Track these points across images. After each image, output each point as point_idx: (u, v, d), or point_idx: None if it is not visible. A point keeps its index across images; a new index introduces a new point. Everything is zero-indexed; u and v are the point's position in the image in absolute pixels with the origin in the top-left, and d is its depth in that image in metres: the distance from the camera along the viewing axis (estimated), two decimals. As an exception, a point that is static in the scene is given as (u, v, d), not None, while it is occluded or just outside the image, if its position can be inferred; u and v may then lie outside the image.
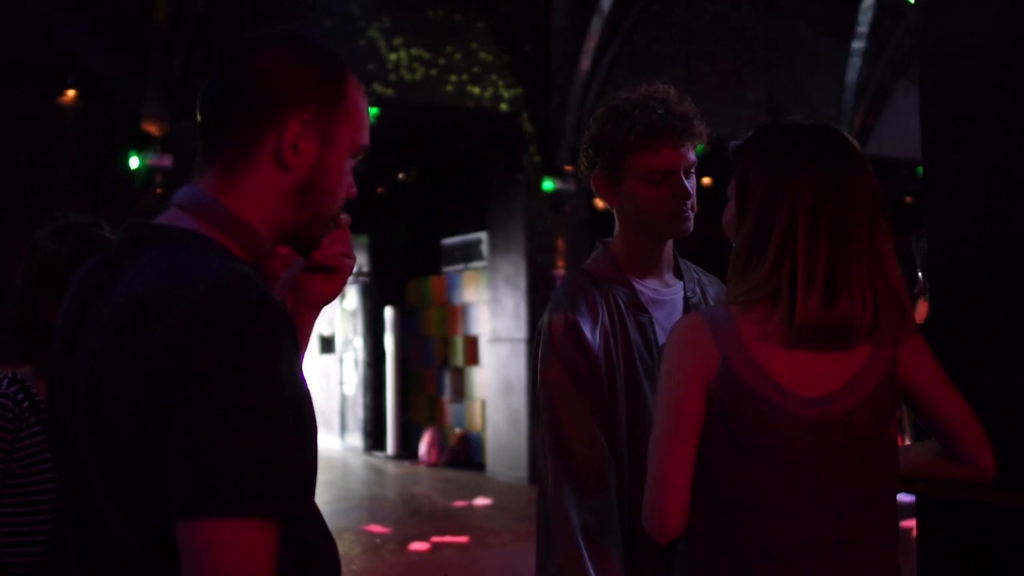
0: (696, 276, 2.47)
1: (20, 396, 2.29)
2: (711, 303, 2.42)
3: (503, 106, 11.17)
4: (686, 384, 1.89)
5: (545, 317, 2.34)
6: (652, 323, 2.30)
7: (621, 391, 2.26)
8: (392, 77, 10.47)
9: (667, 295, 2.38)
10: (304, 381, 1.37)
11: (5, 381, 2.32)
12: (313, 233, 1.56)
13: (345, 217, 1.63)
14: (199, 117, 1.50)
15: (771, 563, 1.86)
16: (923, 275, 3.38)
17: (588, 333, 2.26)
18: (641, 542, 2.21)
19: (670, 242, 2.41)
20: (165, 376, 1.26)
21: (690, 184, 2.30)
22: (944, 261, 2.42)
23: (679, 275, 2.44)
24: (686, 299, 2.39)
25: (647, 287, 2.36)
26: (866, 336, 1.87)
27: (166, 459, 1.26)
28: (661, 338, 2.28)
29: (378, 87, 10.29)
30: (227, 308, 1.29)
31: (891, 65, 12.73)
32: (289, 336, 1.33)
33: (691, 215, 2.31)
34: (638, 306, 2.31)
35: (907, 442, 3.17)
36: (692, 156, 2.31)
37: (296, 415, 1.32)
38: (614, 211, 2.40)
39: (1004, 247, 2.31)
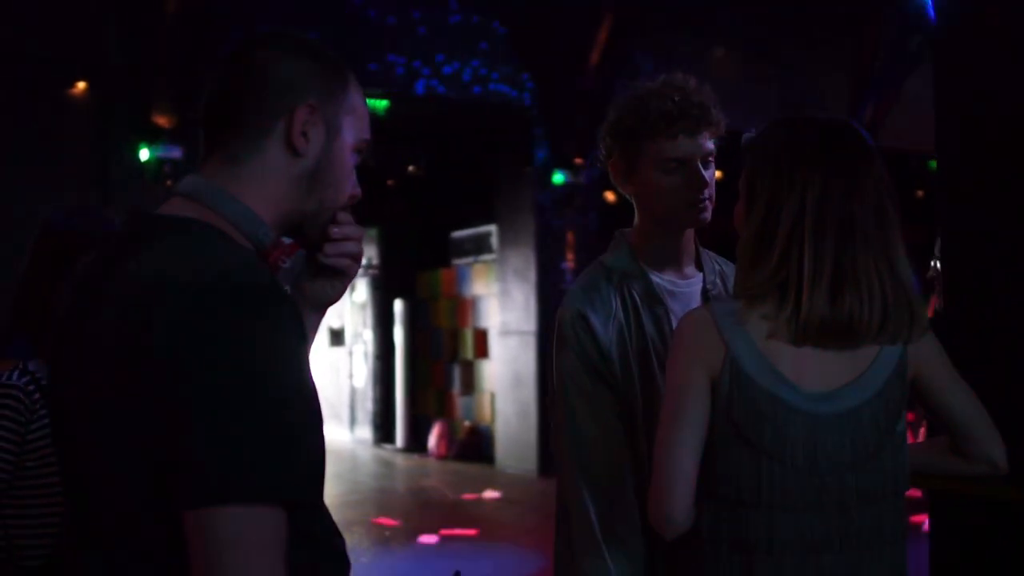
0: (718, 267, 2.44)
1: (31, 388, 2.30)
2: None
3: (513, 99, 11.15)
4: (692, 377, 1.89)
5: (559, 311, 2.33)
6: (667, 315, 2.28)
7: (636, 384, 2.25)
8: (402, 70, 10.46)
9: (684, 287, 2.36)
10: (309, 372, 1.37)
11: (16, 372, 2.32)
12: (319, 223, 1.57)
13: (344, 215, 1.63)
14: (205, 111, 1.53)
15: (776, 558, 1.86)
16: (938, 265, 3.35)
17: (600, 326, 2.26)
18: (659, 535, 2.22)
19: (691, 233, 2.38)
20: (172, 364, 1.26)
21: (708, 174, 2.28)
22: (958, 255, 2.41)
23: (700, 267, 2.42)
24: (705, 291, 2.36)
25: (664, 279, 2.34)
26: (875, 335, 1.86)
27: (173, 447, 1.26)
28: None
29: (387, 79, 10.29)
30: (234, 294, 1.29)
31: (903, 58, 12.68)
32: (296, 324, 1.34)
33: (708, 205, 2.29)
34: (653, 298, 2.30)
35: (919, 438, 3.16)
36: (709, 145, 2.28)
37: (302, 404, 1.32)
38: (633, 200, 2.39)
39: (1020, 240, 2.29)
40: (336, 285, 1.68)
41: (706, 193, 2.27)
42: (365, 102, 1.60)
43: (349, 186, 1.58)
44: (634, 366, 2.26)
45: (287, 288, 1.62)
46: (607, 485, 2.23)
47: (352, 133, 1.56)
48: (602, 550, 2.19)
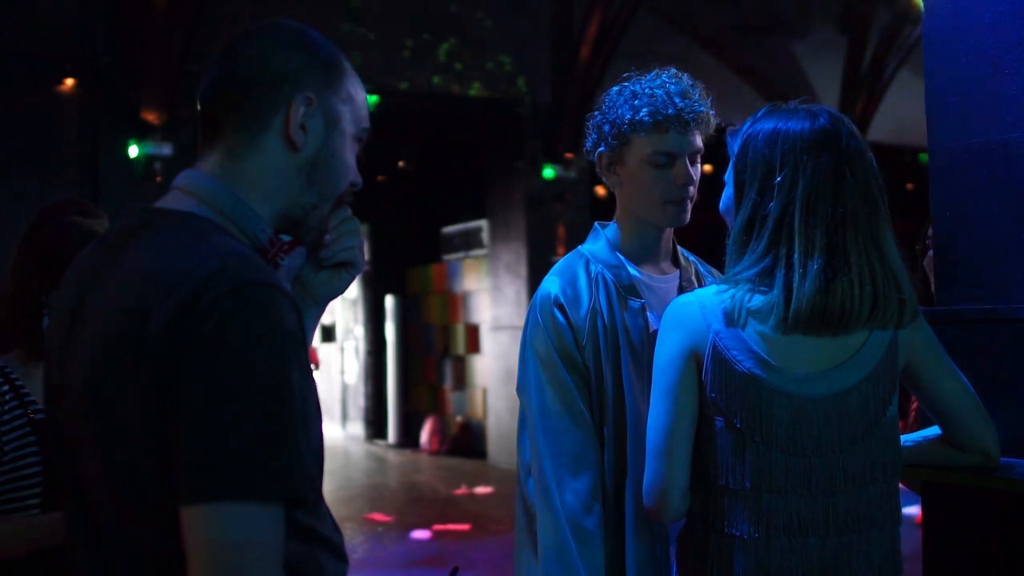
0: (694, 267, 2.46)
1: None
2: None
3: (503, 94, 11.14)
4: (679, 363, 1.91)
5: (536, 296, 2.34)
6: (643, 309, 2.29)
7: (608, 374, 2.26)
8: (393, 64, 10.44)
9: (661, 282, 2.37)
10: (309, 368, 1.37)
11: None
12: (318, 217, 1.56)
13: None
14: (200, 106, 1.51)
15: (763, 541, 1.87)
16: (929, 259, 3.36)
17: (577, 314, 2.27)
18: (625, 523, 2.22)
19: (669, 231, 2.40)
20: (171, 358, 1.26)
21: (694, 171, 2.29)
22: (950, 247, 2.41)
23: (677, 264, 2.43)
24: (681, 288, 2.37)
25: (641, 272, 2.36)
26: (865, 321, 1.86)
27: (171, 442, 1.26)
28: (653, 323, 2.27)
29: (379, 74, 10.26)
30: (233, 288, 1.28)
31: (892, 51, 12.69)
32: (295, 321, 1.33)
33: (689, 204, 2.31)
34: (630, 291, 2.31)
35: (911, 430, 3.17)
36: (698, 143, 2.30)
37: (301, 401, 1.31)
38: (616, 192, 2.40)
39: (1011, 232, 2.29)
40: (344, 276, 1.67)
41: (690, 191, 2.29)
42: (362, 90, 1.59)
43: (349, 175, 1.57)
44: (607, 356, 2.27)
45: (287, 284, 1.62)
46: (575, 474, 2.23)
47: (351, 122, 1.55)
48: (569, 542, 2.19)
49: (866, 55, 12.72)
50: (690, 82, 2.32)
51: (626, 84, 2.34)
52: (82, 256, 1.50)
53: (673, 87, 2.28)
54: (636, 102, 2.28)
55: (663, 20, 11.70)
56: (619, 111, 2.30)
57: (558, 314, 2.27)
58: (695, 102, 2.28)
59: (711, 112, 2.31)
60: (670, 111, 2.25)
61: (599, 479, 2.24)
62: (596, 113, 2.37)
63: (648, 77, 2.32)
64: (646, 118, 2.25)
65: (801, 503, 1.87)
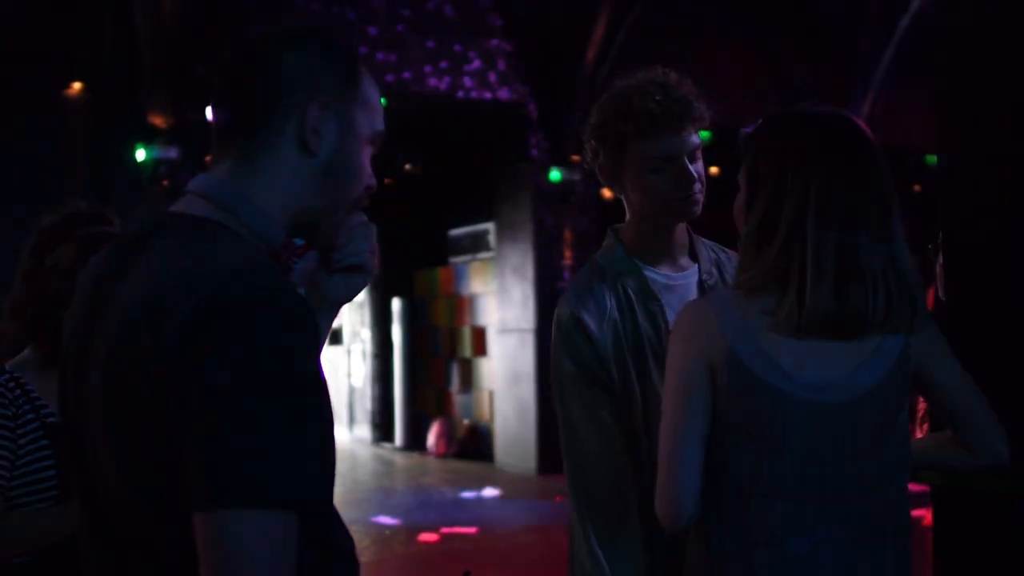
0: (714, 255, 2.42)
1: (11, 384, 2.30)
2: (731, 281, 2.38)
3: (509, 96, 11.14)
4: (693, 369, 1.89)
5: (555, 314, 2.33)
6: (663, 310, 2.27)
7: (635, 383, 2.24)
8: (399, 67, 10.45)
9: (680, 280, 2.34)
10: (322, 373, 1.36)
11: None
12: (334, 220, 1.55)
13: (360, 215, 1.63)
14: (213, 109, 1.51)
15: (777, 549, 1.86)
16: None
17: (595, 327, 2.25)
18: (664, 534, 2.21)
19: (683, 225, 2.37)
20: (184, 364, 1.25)
21: (696, 168, 2.25)
22: (958, 249, 2.41)
23: (695, 258, 2.40)
24: (701, 282, 2.35)
25: (658, 273, 2.33)
26: (880, 326, 1.85)
27: (184, 449, 1.25)
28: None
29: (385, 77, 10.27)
30: (246, 295, 1.28)
31: (901, 52, 12.67)
32: (309, 325, 1.32)
33: (699, 198, 2.27)
34: (648, 294, 2.29)
35: (920, 433, 3.16)
36: (695, 140, 2.26)
37: (314, 406, 1.31)
38: (623, 198, 2.38)
39: (1021, 235, 2.29)
40: (356, 280, 1.67)
41: (695, 188, 2.25)
42: (377, 93, 1.58)
43: (364, 178, 1.55)
44: (631, 364, 2.25)
45: (300, 289, 1.61)
46: (604, 489, 2.22)
47: (366, 126, 1.53)
48: (599, 559, 2.19)
49: (873, 55, 12.69)
50: (677, 79, 2.28)
51: (614, 92, 2.30)
52: (96, 261, 1.49)
53: (661, 88, 2.24)
54: (626, 109, 2.24)
55: (669, 21, 11.69)
56: (611, 120, 2.27)
57: (578, 329, 2.25)
58: (683, 99, 2.24)
59: (702, 105, 2.27)
60: (661, 114, 2.21)
61: (631, 491, 2.22)
62: (588, 124, 2.35)
63: (635, 80, 2.28)
64: (636, 125, 2.22)
65: (816, 510, 1.85)
